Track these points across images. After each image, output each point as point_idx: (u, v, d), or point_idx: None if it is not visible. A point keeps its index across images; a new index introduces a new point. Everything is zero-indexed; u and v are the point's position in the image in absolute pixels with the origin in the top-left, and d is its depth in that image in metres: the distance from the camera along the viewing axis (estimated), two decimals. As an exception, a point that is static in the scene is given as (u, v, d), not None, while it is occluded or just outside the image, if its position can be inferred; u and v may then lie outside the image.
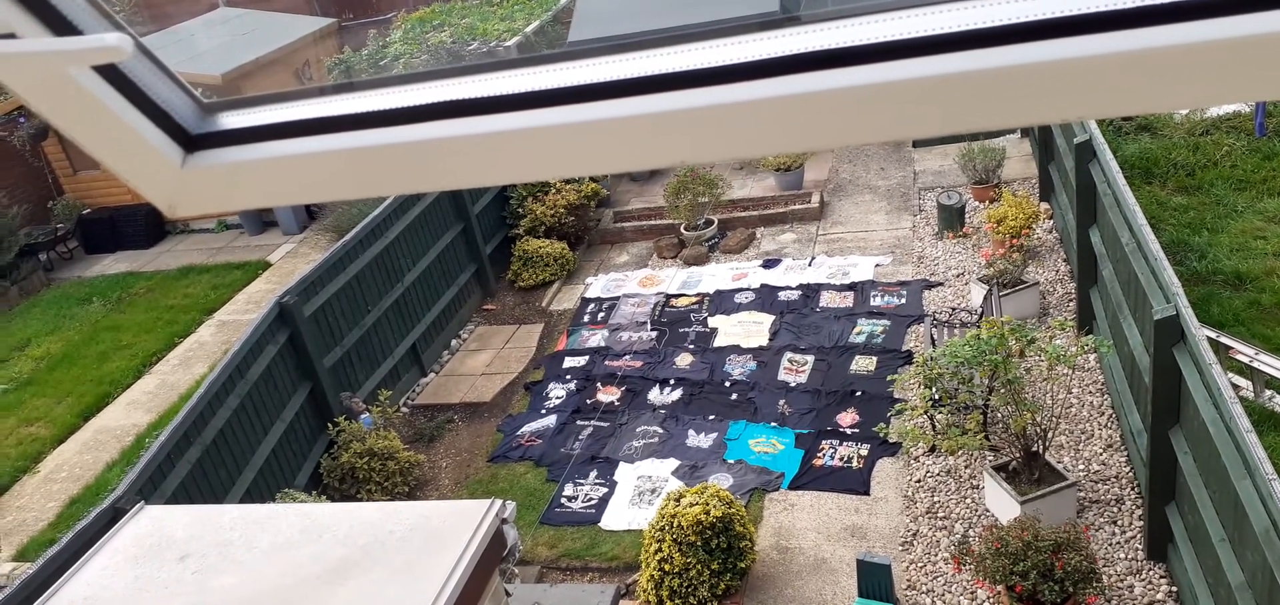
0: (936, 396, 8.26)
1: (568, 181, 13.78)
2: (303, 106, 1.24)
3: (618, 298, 12.51)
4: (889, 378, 9.43)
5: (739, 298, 11.91)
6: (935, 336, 9.68)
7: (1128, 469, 7.94)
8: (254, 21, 19.45)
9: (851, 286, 11.63)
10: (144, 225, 17.98)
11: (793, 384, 10.09)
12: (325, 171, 1.25)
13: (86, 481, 11.19)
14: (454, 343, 12.39)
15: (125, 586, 4.85)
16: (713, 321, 11.54)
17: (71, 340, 14.76)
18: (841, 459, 8.85)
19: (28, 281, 17.00)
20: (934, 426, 8.44)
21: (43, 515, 10.73)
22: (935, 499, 8.13)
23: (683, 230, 13.48)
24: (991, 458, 8.00)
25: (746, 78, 1.11)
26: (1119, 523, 7.49)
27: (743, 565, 7.49)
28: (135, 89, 1.15)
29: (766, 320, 11.32)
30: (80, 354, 14.24)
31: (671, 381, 10.53)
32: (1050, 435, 7.68)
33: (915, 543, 7.78)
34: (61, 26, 1.06)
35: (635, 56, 1.16)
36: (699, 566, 7.27)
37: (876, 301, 11.24)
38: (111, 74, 1.12)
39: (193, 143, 1.23)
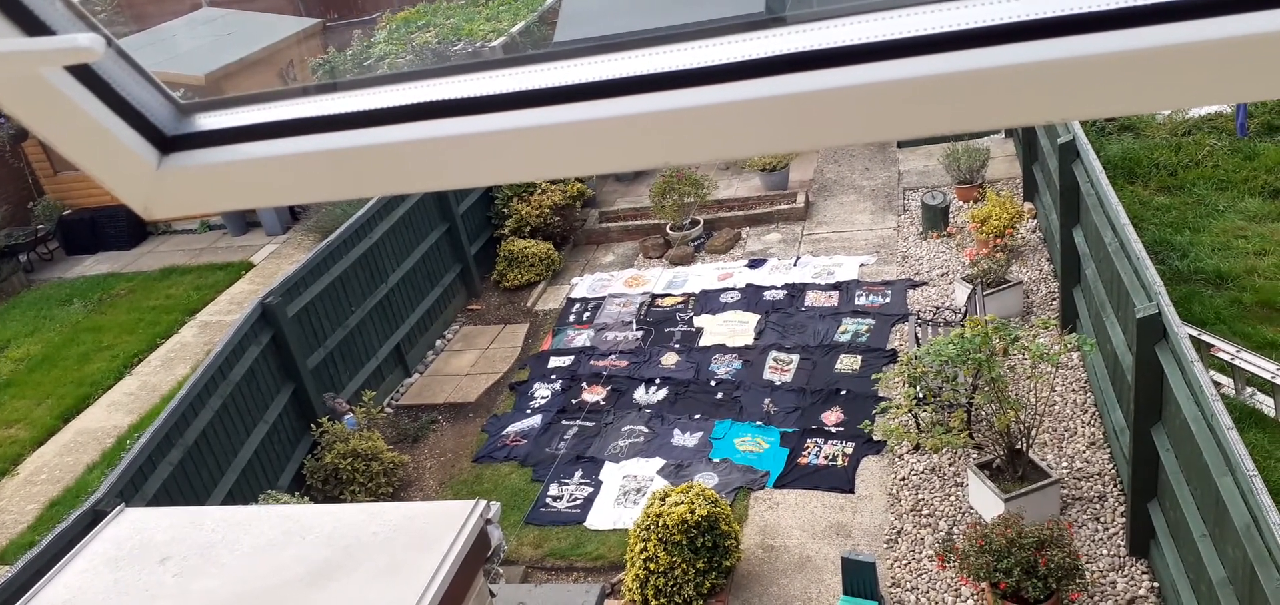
0: (921, 395, 8.28)
1: (553, 182, 13.75)
2: (282, 107, 1.22)
3: (603, 298, 12.50)
4: (873, 376, 9.46)
5: (724, 297, 11.92)
6: (919, 335, 9.72)
7: (1110, 466, 7.99)
8: (237, 22, 19.31)
9: (836, 286, 11.66)
10: (125, 226, 17.84)
11: (778, 383, 10.10)
12: (305, 173, 1.23)
13: (67, 484, 11.09)
14: (439, 343, 12.35)
15: (105, 589, 4.80)
16: (698, 321, 11.55)
17: (52, 342, 14.62)
18: (826, 457, 8.86)
19: (7, 283, 16.84)
20: (918, 425, 8.47)
21: (22, 518, 10.63)
22: (919, 497, 8.16)
23: (668, 230, 13.48)
24: (975, 455, 8.03)
25: (732, 78, 1.10)
26: (1102, 519, 7.54)
27: (728, 564, 7.50)
28: (109, 90, 1.13)
29: (752, 320, 11.34)
30: (61, 355, 14.12)
31: (657, 381, 10.53)
32: (1033, 433, 7.72)
33: (900, 540, 7.80)
34: (33, 26, 1.04)
35: (621, 57, 1.16)
36: (684, 565, 7.27)
37: (861, 301, 11.27)
38: (85, 74, 1.11)
39: (169, 144, 1.21)
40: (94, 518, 6.05)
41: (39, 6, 1.04)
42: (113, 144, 1.16)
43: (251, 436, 8.98)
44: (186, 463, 8.09)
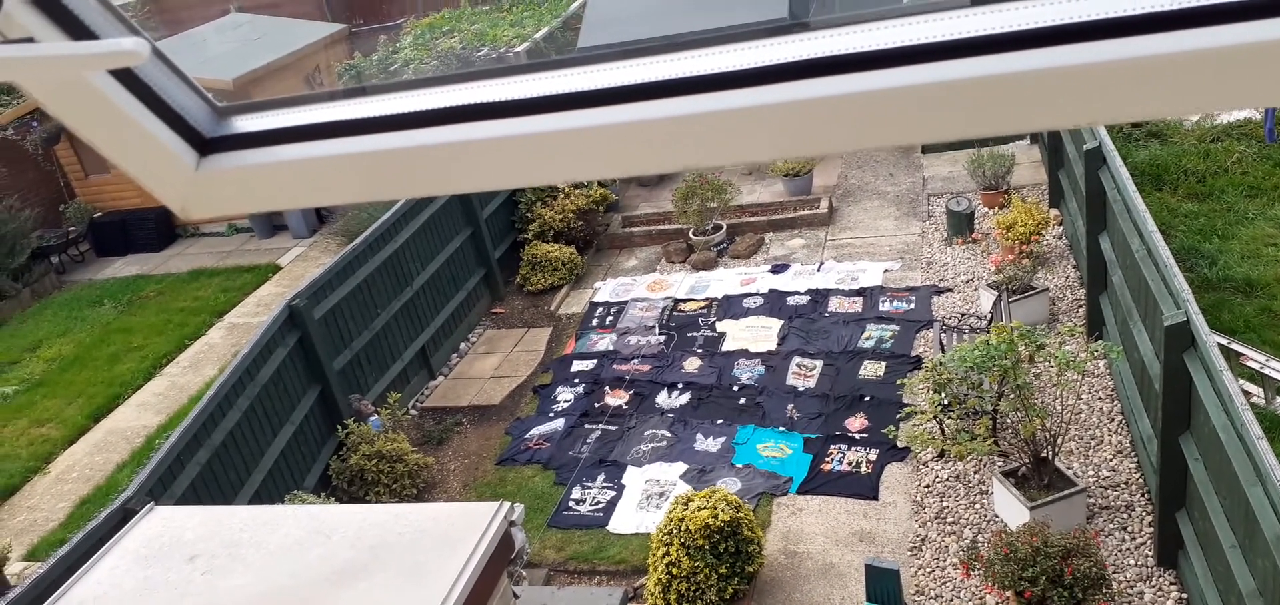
0: (945, 402, 8.24)
1: (576, 186, 13.80)
2: (315, 110, 1.25)
3: (626, 302, 12.51)
4: (898, 383, 9.41)
5: (747, 302, 11.91)
6: (944, 342, 9.66)
7: (1138, 475, 7.91)
8: (265, 27, 19.52)
9: (860, 292, 11.61)
10: (155, 228, 18.07)
11: (801, 389, 10.07)
12: (337, 175, 1.26)
13: (97, 482, 11.24)
14: (463, 346, 12.41)
15: (135, 586, 4.87)
16: (721, 326, 11.54)
17: (82, 342, 14.83)
18: (850, 464, 8.83)
19: (39, 284, 17.10)
20: (943, 432, 8.42)
21: (53, 515, 10.78)
22: (944, 504, 8.11)
23: (691, 235, 13.48)
24: (1000, 463, 7.98)
25: (755, 83, 1.11)
26: (1129, 529, 7.46)
27: (750, 569, 7.49)
28: (150, 93, 1.16)
29: (775, 325, 11.31)
30: (91, 356, 14.31)
31: (680, 385, 10.53)
32: (1060, 441, 7.66)
33: (924, 548, 7.76)
34: (79, 31, 1.07)
35: (644, 62, 1.17)
36: (707, 570, 7.26)
37: (885, 307, 11.22)
38: (127, 78, 1.14)
39: (206, 146, 1.24)
40: (124, 516, 6.13)
41: (83, 12, 1.07)
42: (153, 146, 1.19)
43: (278, 437, 9.07)
44: (214, 463, 8.19)
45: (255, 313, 14.70)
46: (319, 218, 17.47)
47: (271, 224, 17.74)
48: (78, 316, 15.83)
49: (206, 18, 20.52)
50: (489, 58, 15.98)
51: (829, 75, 1.08)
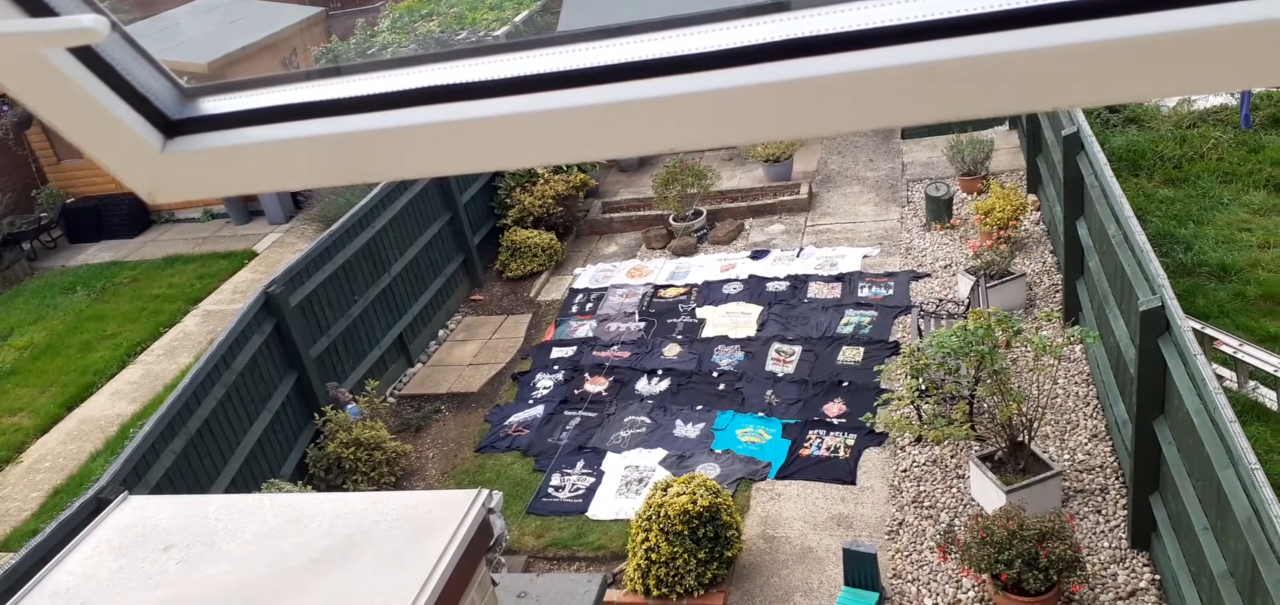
0: (923, 387, 8.28)
1: (556, 171, 13.74)
2: (286, 91, 1.22)
3: (606, 288, 12.49)
4: (876, 368, 9.46)
5: (727, 289, 11.92)
6: (922, 327, 9.71)
7: (1112, 459, 7.99)
8: (241, 10, 19.29)
9: (839, 278, 11.65)
10: (128, 214, 17.85)
11: (780, 374, 10.10)
12: (309, 157, 1.23)
13: (70, 472, 11.12)
14: (441, 333, 12.35)
15: (109, 576, 4.82)
16: (701, 312, 11.54)
17: (55, 330, 14.65)
18: (828, 449, 8.87)
19: (11, 271, 16.86)
20: (920, 417, 8.47)
21: (26, 506, 10.66)
22: (921, 488, 8.16)
23: (671, 221, 13.47)
24: (977, 447, 8.03)
25: (735, 64, 1.10)
26: (1103, 512, 7.54)
27: (729, 554, 7.51)
28: (113, 73, 1.13)
29: (754, 311, 11.33)
30: (64, 344, 14.14)
31: (659, 372, 10.53)
32: (1036, 425, 7.72)
33: (901, 532, 7.81)
34: (36, 7, 1.04)
35: (623, 42, 1.15)
36: (686, 556, 7.28)
37: (864, 292, 11.26)
38: (89, 57, 1.10)
39: (173, 128, 1.21)
40: (98, 505, 6.07)
41: (42, -13, 1.04)
42: (116, 127, 1.16)
43: (254, 425, 9.00)
44: (189, 451, 8.11)
45: (231, 299, 14.56)
46: (295, 203, 17.31)
47: (247, 209, 17.57)
48: (50, 304, 15.63)
49: (181, 0, 20.25)
50: (468, 41, 15.88)
51: (810, 56, 1.06)
